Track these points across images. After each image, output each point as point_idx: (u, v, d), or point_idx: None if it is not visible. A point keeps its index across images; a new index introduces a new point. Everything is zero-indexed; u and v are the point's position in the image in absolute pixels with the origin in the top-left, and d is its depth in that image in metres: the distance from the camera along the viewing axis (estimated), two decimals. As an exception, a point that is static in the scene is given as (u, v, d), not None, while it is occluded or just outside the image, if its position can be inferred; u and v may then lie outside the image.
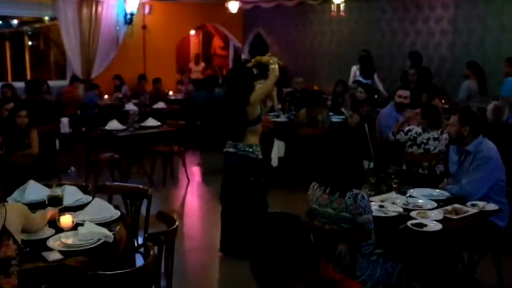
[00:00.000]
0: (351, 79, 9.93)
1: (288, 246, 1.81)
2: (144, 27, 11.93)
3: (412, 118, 6.00)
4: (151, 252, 2.90)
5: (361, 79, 9.44)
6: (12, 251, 2.61)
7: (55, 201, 3.65)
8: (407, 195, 4.00)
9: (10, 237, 2.62)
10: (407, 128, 5.73)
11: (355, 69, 10.00)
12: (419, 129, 5.60)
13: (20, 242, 2.69)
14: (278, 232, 1.84)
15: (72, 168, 8.28)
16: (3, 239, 2.60)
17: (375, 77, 9.76)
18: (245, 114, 4.88)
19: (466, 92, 8.13)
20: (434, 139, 5.53)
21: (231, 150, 5.01)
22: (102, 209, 3.58)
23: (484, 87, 8.15)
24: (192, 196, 7.52)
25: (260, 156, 5.04)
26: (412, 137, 5.57)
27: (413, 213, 3.65)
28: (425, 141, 5.53)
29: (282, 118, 8.11)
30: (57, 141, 7.71)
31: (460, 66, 9.47)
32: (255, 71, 5.09)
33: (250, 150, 4.96)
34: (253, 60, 5.16)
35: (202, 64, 14.35)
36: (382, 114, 6.83)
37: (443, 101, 8.72)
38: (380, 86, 9.79)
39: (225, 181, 5.19)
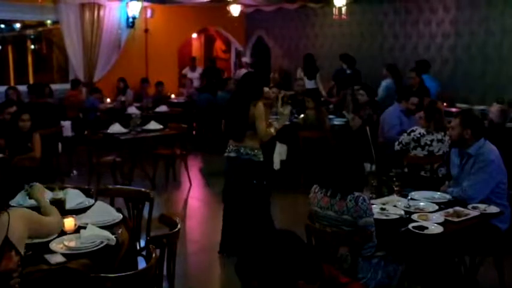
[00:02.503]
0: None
1: (287, 265, 1.80)
2: (146, 30, 11.96)
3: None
4: (154, 255, 2.91)
5: (305, 79, 10.18)
6: (14, 264, 2.49)
7: (58, 204, 3.66)
8: (409, 197, 4.00)
9: (12, 248, 2.50)
10: (410, 129, 5.74)
11: (299, 70, 10.70)
12: (423, 131, 5.60)
13: (22, 252, 2.56)
14: (277, 252, 1.82)
15: (74, 171, 8.29)
16: (5, 251, 2.48)
17: (317, 77, 10.38)
18: (247, 114, 4.89)
19: (385, 91, 8.88)
20: (438, 141, 5.53)
21: (232, 155, 5.02)
22: (105, 212, 3.59)
23: (400, 86, 8.81)
24: (194, 199, 7.52)
25: (262, 159, 5.06)
26: (415, 138, 5.57)
27: (414, 216, 3.66)
28: (429, 142, 5.53)
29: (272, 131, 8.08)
30: (59, 145, 7.73)
31: (462, 68, 9.49)
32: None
33: (253, 153, 4.97)
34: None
35: (199, 70, 12.73)
36: (386, 114, 6.87)
37: (445, 104, 8.74)
38: (321, 87, 10.36)
39: (227, 185, 5.20)
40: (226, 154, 5.09)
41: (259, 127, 4.90)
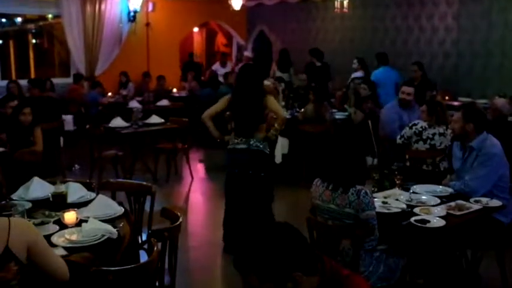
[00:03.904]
0: (271, 74, 11.11)
1: (283, 257, 1.79)
2: (147, 24, 11.94)
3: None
4: (155, 248, 2.91)
5: (278, 73, 10.79)
6: (12, 274, 2.38)
7: (59, 198, 3.67)
8: (411, 191, 4.00)
9: (13, 259, 2.37)
10: (412, 123, 5.72)
11: (274, 65, 11.38)
12: (425, 124, 5.58)
13: (24, 260, 2.41)
14: (274, 244, 1.81)
15: (76, 165, 8.30)
16: (4, 262, 2.36)
17: (291, 71, 10.97)
18: (262, 109, 4.90)
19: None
20: (440, 134, 5.51)
21: (240, 146, 4.97)
22: (106, 205, 3.59)
23: (369, 77, 9.34)
24: (196, 193, 7.53)
25: (269, 152, 5.09)
26: (417, 131, 5.55)
27: (416, 210, 3.65)
28: (431, 136, 5.51)
29: (286, 115, 8.10)
30: (61, 139, 7.73)
31: (465, 62, 9.46)
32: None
33: (262, 146, 4.97)
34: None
35: (230, 65, 12.46)
36: (385, 109, 6.84)
37: (447, 98, 8.74)
38: (294, 80, 10.66)
39: (231, 178, 5.14)
40: (231, 146, 5.04)
41: (280, 110, 5.09)
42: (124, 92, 10.55)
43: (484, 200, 3.85)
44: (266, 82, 5.23)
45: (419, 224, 3.42)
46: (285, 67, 11.02)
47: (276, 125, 5.06)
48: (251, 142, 4.94)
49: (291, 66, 11.03)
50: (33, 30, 12.40)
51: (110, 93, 10.53)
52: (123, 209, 3.61)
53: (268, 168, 5.08)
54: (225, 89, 9.57)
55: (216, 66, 12.62)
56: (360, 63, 9.89)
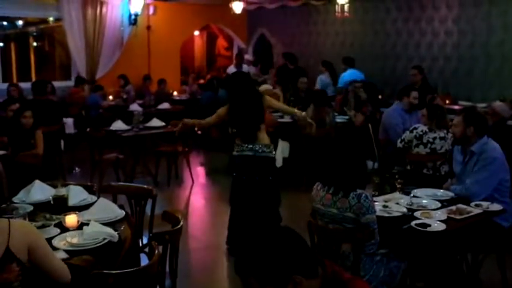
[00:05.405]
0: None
1: (282, 260, 1.79)
2: (148, 27, 11.96)
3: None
4: (156, 251, 2.91)
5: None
6: (14, 276, 2.42)
7: (60, 201, 3.67)
8: (411, 195, 4.00)
9: (14, 260, 2.41)
10: (412, 126, 5.72)
11: (258, 67, 12.41)
12: (425, 128, 5.57)
13: (26, 261, 2.45)
14: (276, 248, 1.82)
15: (77, 168, 8.31)
16: (6, 263, 2.39)
17: (270, 73, 11.67)
18: (262, 110, 4.94)
19: (320, 84, 10.25)
20: (441, 138, 5.50)
21: (247, 153, 4.96)
22: (107, 208, 3.59)
23: (335, 79, 10.15)
24: (197, 196, 7.53)
25: (274, 156, 5.11)
26: (418, 135, 5.54)
27: (417, 214, 3.65)
28: (431, 140, 5.50)
29: (286, 118, 8.11)
30: (62, 142, 7.73)
31: (465, 66, 9.47)
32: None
33: (268, 150, 4.99)
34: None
35: (246, 68, 12.00)
36: (388, 113, 6.82)
37: (447, 101, 8.74)
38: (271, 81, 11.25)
39: (239, 184, 5.13)
40: (237, 153, 5.04)
41: (284, 105, 5.36)
42: (124, 96, 10.55)
43: (485, 204, 3.85)
44: (267, 86, 5.25)
45: (420, 228, 3.42)
46: (266, 69, 11.64)
47: (301, 119, 5.40)
48: (257, 148, 4.94)
49: (271, 67, 11.75)
50: (34, 33, 12.43)
51: (110, 97, 10.54)
52: (124, 212, 3.62)
53: (275, 172, 5.10)
54: (223, 92, 9.57)
55: (231, 69, 12.55)
56: (324, 66, 10.42)
